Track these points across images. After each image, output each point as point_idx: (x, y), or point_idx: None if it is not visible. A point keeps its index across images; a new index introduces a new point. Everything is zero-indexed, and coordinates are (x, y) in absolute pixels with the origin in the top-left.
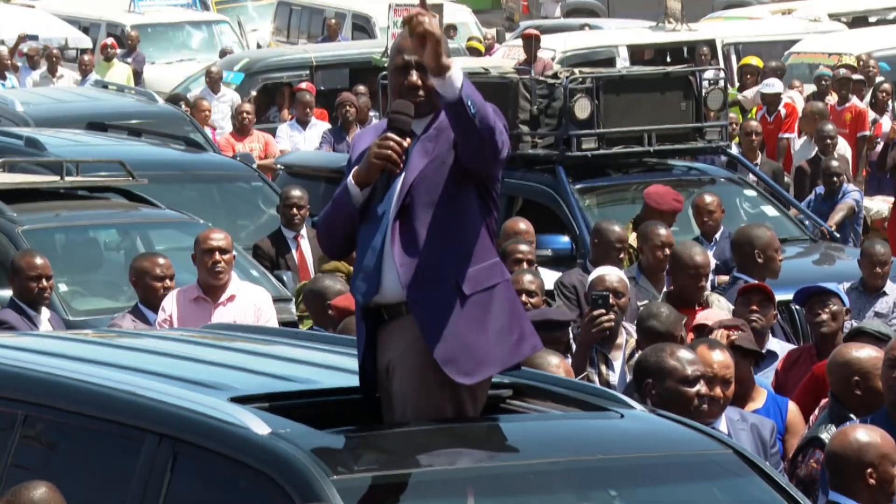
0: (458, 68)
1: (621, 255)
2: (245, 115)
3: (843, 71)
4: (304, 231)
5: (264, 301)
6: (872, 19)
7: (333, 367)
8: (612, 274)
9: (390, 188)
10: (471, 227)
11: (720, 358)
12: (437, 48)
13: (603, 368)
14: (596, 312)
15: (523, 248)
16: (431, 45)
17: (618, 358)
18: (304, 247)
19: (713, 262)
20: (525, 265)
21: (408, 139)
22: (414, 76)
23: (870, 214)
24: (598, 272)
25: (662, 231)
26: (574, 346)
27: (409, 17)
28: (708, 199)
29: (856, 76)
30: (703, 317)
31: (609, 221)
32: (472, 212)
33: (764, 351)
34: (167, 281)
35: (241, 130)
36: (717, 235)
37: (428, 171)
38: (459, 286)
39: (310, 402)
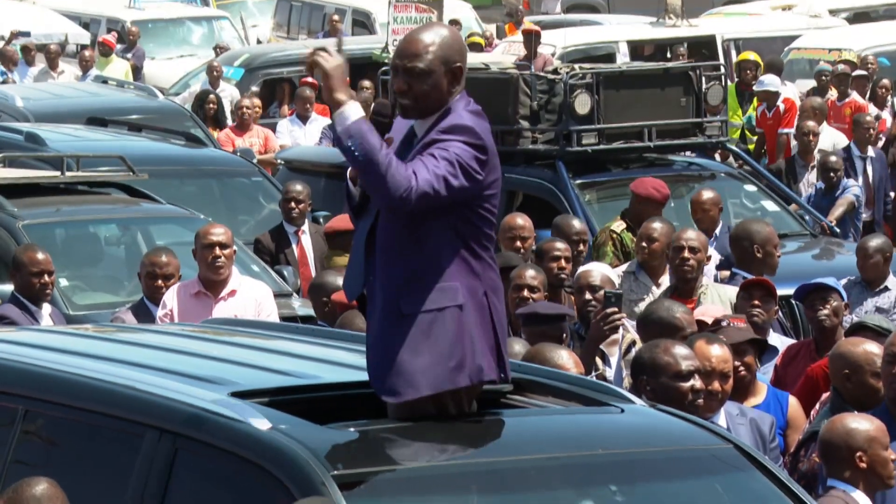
0: (354, 108)
1: (581, 248)
2: (245, 110)
3: (841, 66)
4: (305, 226)
5: (265, 296)
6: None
7: (334, 362)
8: (595, 269)
9: None
10: (427, 244)
11: (718, 352)
12: (330, 83)
13: (599, 364)
14: (609, 310)
15: (560, 245)
16: (325, 80)
17: (614, 354)
18: (305, 242)
19: (716, 257)
20: (563, 262)
21: (390, 137)
22: (398, 81)
23: None
24: (584, 267)
25: (652, 225)
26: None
27: (311, 51)
28: (705, 195)
29: (858, 72)
30: (700, 312)
31: (566, 217)
32: (433, 230)
33: None
34: (174, 279)
35: (240, 126)
36: (717, 231)
37: None
38: (399, 306)
39: (310, 398)
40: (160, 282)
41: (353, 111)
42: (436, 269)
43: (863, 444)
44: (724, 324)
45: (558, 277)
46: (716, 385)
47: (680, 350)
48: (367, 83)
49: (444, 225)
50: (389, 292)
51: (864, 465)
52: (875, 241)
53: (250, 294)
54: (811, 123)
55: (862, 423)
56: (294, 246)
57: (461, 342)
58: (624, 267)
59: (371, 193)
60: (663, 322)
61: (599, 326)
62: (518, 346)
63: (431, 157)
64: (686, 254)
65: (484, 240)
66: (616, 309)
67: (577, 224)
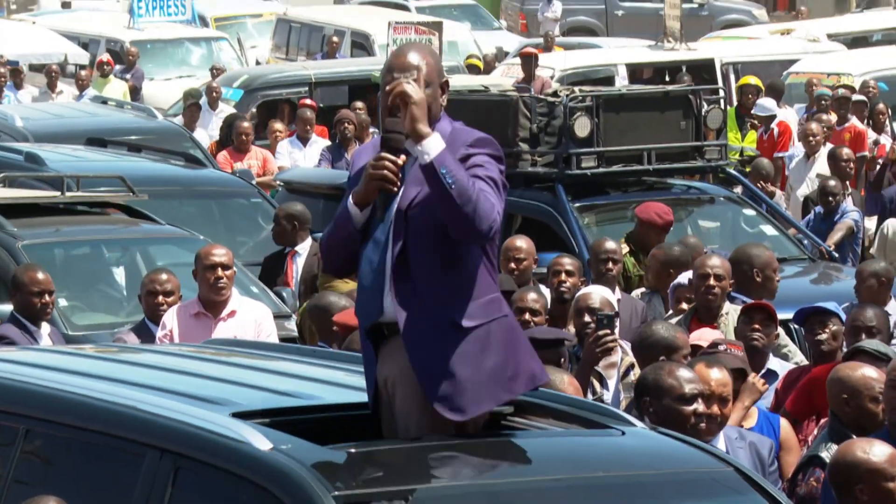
0: (437, 140)
1: (609, 266)
2: (243, 134)
3: (841, 91)
4: (303, 246)
5: (265, 317)
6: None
7: (335, 383)
8: (595, 292)
9: (389, 209)
10: (468, 260)
11: (718, 376)
12: (414, 112)
13: (597, 386)
14: (601, 332)
15: (563, 260)
16: (410, 108)
17: (612, 377)
18: (298, 263)
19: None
20: (563, 276)
21: (403, 157)
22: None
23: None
24: (584, 290)
25: (656, 252)
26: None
27: (392, 83)
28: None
29: (856, 97)
30: (696, 337)
31: (602, 238)
32: (470, 247)
33: (764, 370)
34: (174, 296)
35: (239, 148)
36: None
37: (419, 200)
38: (456, 322)
39: (311, 418)
40: (161, 298)
41: (437, 144)
42: (477, 284)
43: (863, 476)
44: (721, 348)
45: (558, 290)
46: (715, 408)
47: (684, 373)
48: (359, 104)
49: None
50: (439, 310)
51: (866, 497)
52: (871, 266)
53: (250, 315)
54: (846, 150)
55: (871, 453)
56: (284, 266)
57: (514, 351)
58: (639, 292)
59: (455, 224)
60: (665, 342)
61: (592, 349)
62: None
63: (483, 181)
64: (711, 281)
65: (496, 249)
66: (608, 331)
67: (608, 244)
